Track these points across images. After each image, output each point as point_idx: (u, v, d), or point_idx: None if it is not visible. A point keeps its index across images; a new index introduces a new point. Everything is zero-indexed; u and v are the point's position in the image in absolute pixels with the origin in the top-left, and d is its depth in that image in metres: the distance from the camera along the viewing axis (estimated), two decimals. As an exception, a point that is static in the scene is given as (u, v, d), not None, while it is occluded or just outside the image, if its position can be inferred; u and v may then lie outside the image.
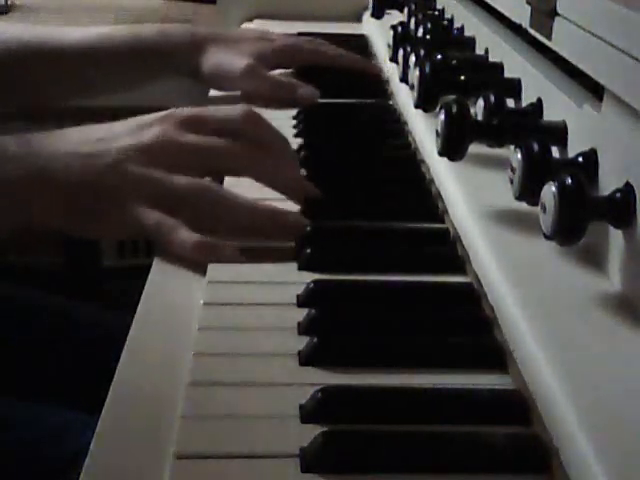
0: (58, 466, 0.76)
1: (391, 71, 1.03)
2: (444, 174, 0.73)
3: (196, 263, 0.65)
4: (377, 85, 1.08)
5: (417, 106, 0.78)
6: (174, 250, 0.67)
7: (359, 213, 0.72)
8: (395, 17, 1.14)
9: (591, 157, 0.58)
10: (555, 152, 0.63)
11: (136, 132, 0.72)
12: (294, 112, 0.97)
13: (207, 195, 0.69)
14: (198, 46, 1.02)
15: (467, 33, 0.95)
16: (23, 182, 0.69)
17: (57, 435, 0.79)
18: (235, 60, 1.01)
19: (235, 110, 0.75)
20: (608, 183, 0.56)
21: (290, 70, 1.08)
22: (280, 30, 1.31)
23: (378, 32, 1.23)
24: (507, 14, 0.80)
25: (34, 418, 0.81)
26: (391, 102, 1.01)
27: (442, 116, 0.66)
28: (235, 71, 1.00)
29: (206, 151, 0.72)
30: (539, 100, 0.70)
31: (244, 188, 0.72)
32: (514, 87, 0.75)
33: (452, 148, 0.66)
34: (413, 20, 0.98)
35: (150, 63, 1.03)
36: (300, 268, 0.64)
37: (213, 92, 1.05)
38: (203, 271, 0.64)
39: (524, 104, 0.73)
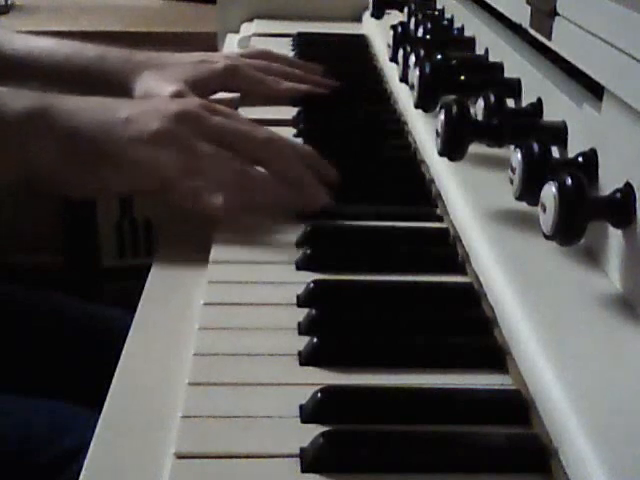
0: (57, 464, 0.76)
1: (391, 71, 1.03)
2: (444, 174, 0.73)
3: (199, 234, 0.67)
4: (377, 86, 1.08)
5: (417, 106, 0.78)
6: (198, 206, 0.67)
7: (359, 213, 0.72)
8: (395, 17, 1.14)
9: (591, 157, 0.58)
10: (555, 152, 0.63)
11: (160, 102, 0.73)
12: (294, 112, 0.97)
13: (229, 165, 0.69)
14: (132, 71, 0.97)
15: (467, 33, 0.95)
16: (22, 118, 0.66)
17: (57, 433, 0.79)
18: (164, 86, 0.94)
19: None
20: (608, 183, 0.56)
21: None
22: (280, 30, 1.32)
23: (378, 32, 1.23)
24: (507, 14, 0.80)
25: (34, 416, 0.81)
26: (391, 102, 1.01)
27: (442, 116, 0.66)
28: None
29: (228, 129, 0.72)
30: (539, 100, 0.70)
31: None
32: (514, 87, 0.75)
33: (452, 148, 0.66)
34: (413, 20, 0.98)
35: (88, 85, 0.98)
36: (300, 268, 0.64)
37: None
38: (203, 271, 0.64)
39: (524, 104, 0.73)
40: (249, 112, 0.96)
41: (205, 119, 0.72)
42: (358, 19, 1.42)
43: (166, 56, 1.02)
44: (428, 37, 0.93)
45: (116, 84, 0.98)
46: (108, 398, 0.51)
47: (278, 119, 0.94)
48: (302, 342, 0.54)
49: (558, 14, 0.64)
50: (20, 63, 0.99)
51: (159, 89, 0.94)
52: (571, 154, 0.62)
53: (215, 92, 1.01)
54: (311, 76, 1.06)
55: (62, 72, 0.99)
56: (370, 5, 1.21)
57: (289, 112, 0.97)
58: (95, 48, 1.01)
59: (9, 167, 0.69)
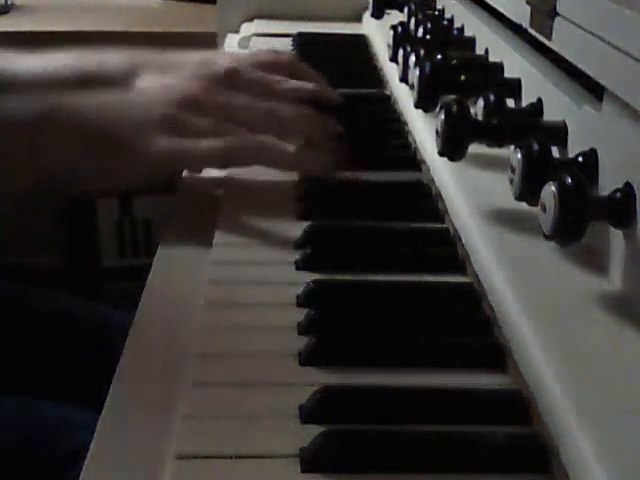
0: (58, 464, 0.76)
1: (391, 71, 1.03)
2: (444, 174, 0.73)
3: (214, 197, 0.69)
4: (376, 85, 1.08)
5: (417, 106, 0.78)
6: (203, 162, 0.68)
7: (359, 213, 0.72)
8: (395, 17, 1.14)
9: (591, 157, 0.58)
10: (555, 152, 0.63)
11: (167, 86, 0.73)
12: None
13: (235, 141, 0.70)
14: (132, 72, 0.94)
15: (467, 33, 0.95)
16: (31, 122, 0.66)
17: (57, 434, 0.79)
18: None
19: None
20: (608, 183, 0.56)
21: None
22: (280, 30, 1.32)
23: (378, 32, 1.23)
24: (507, 14, 0.80)
25: (34, 416, 0.81)
26: (391, 102, 1.01)
27: (442, 116, 0.66)
28: None
29: (236, 109, 0.73)
30: (539, 100, 0.70)
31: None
32: (514, 87, 0.75)
33: (452, 148, 0.66)
34: (413, 20, 0.98)
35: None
36: (300, 268, 0.64)
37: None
38: (203, 270, 0.64)
39: (524, 104, 0.73)
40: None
41: (206, 101, 0.72)
42: (358, 19, 1.42)
43: (165, 57, 1.01)
44: (428, 37, 0.93)
45: (116, 87, 0.97)
46: (108, 398, 0.51)
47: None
48: (302, 342, 0.54)
49: (558, 14, 0.64)
50: (23, 84, 0.99)
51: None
52: (571, 154, 0.62)
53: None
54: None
55: (64, 85, 0.99)
56: (370, 5, 1.21)
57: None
58: (92, 55, 1.00)
59: (25, 173, 0.69)
